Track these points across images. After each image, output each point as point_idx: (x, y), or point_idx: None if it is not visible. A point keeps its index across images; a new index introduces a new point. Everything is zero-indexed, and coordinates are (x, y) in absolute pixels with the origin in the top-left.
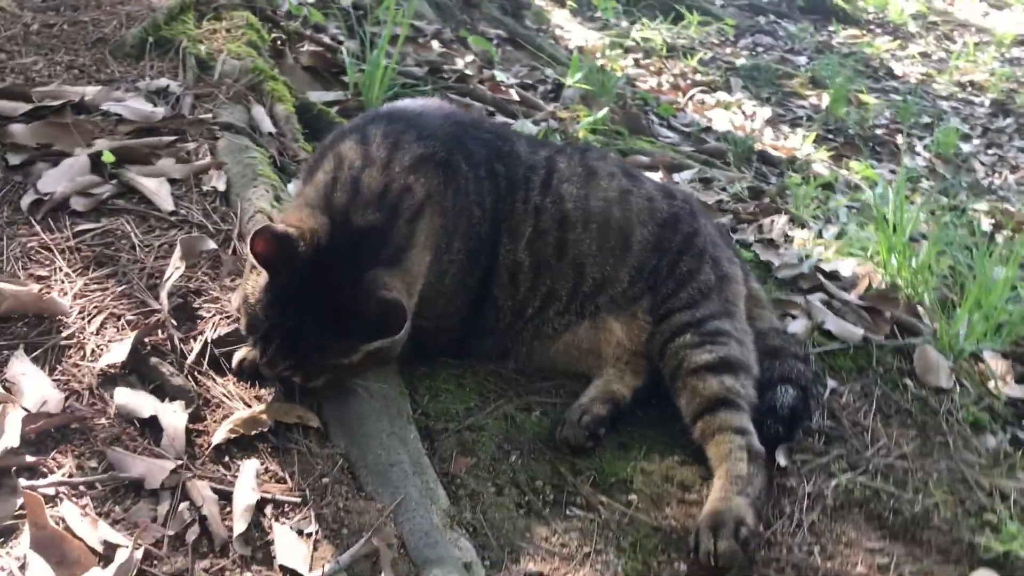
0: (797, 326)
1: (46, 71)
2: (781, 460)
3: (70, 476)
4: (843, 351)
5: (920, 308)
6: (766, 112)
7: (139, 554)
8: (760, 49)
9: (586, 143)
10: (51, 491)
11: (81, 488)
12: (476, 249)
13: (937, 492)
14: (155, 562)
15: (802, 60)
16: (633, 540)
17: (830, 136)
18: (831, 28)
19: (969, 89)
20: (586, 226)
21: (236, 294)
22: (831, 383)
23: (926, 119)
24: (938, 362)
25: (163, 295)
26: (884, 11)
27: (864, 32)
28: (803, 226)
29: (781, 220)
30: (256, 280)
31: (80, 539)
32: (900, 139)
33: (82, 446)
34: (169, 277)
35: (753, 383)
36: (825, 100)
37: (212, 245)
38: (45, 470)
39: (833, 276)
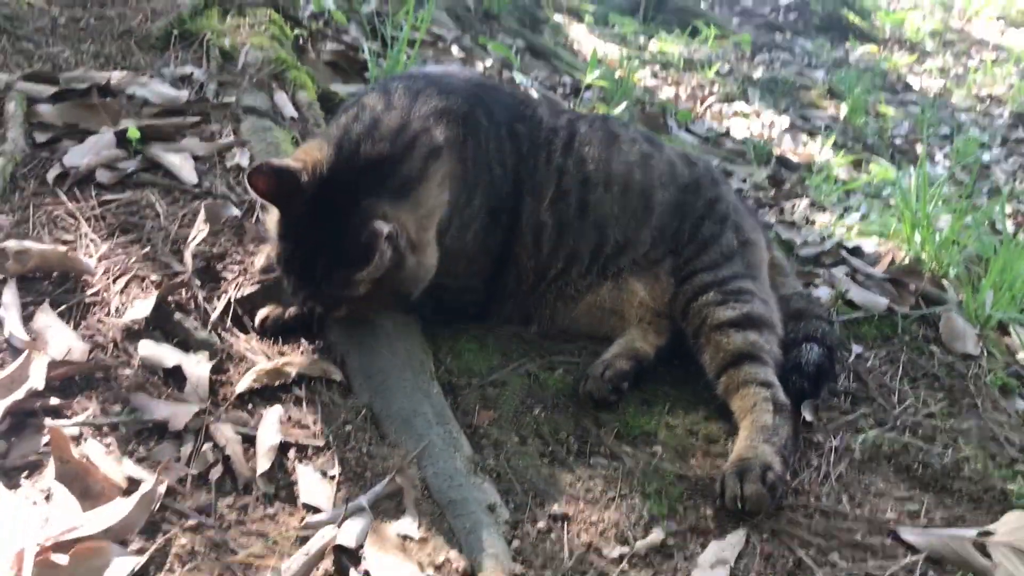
0: (820, 294)
1: (73, 59)
2: (807, 415)
3: (94, 418)
4: (867, 320)
5: (945, 282)
6: (784, 121)
7: (162, 488)
8: (777, 64)
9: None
10: (75, 431)
11: (105, 429)
12: (498, 208)
13: (967, 447)
14: (178, 498)
15: (819, 74)
16: (658, 487)
17: (849, 144)
18: (847, 45)
19: (988, 102)
20: (608, 187)
21: (258, 257)
22: (856, 348)
23: (945, 130)
24: (964, 329)
25: (187, 255)
26: (900, 29)
27: (881, 49)
28: (824, 210)
29: (802, 203)
30: (272, 215)
31: (104, 473)
32: (919, 148)
33: (106, 393)
34: (193, 238)
35: (777, 342)
36: (843, 111)
37: (236, 212)
38: (69, 413)
39: (856, 253)
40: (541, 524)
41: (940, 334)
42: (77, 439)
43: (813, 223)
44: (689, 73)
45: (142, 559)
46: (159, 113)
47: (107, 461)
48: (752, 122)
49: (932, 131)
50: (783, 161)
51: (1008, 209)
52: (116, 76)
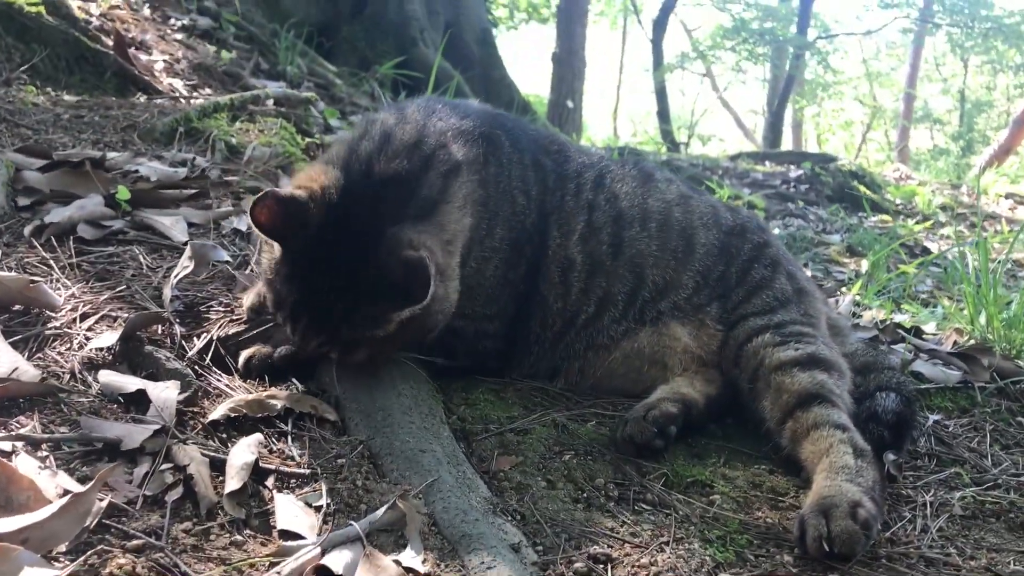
0: None
1: (71, 144)
2: (891, 470)
3: (32, 433)
4: (940, 392)
5: (1019, 362)
6: (807, 273)
7: (103, 504)
8: (792, 228)
9: None
10: (7, 446)
11: (44, 448)
12: (521, 240)
13: None
14: (123, 519)
15: (835, 237)
16: (721, 533)
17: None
18: (861, 214)
19: (1010, 265)
20: (644, 224)
21: (247, 296)
22: (934, 416)
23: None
24: None
25: (166, 291)
26: (911, 202)
27: (894, 218)
28: (869, 308)
29: (846, 299)
30: (270, 253)
31: (30, 480)
32: (947, 301)
33: (53, 415)
34: (176, 275)
35: (847, 388)
36: (864, 266)
37: (225, 256)
38: (3, 432)
39: (915, 334)
40: (579, 565)
41: None
42: (8, 455)
43: (861, 317)
44: None
45: (62, 572)
46: (155, 187)
47: (40, 476)
48: None
49: (957, 289)
50: None
51: None
52: (112, 154)
